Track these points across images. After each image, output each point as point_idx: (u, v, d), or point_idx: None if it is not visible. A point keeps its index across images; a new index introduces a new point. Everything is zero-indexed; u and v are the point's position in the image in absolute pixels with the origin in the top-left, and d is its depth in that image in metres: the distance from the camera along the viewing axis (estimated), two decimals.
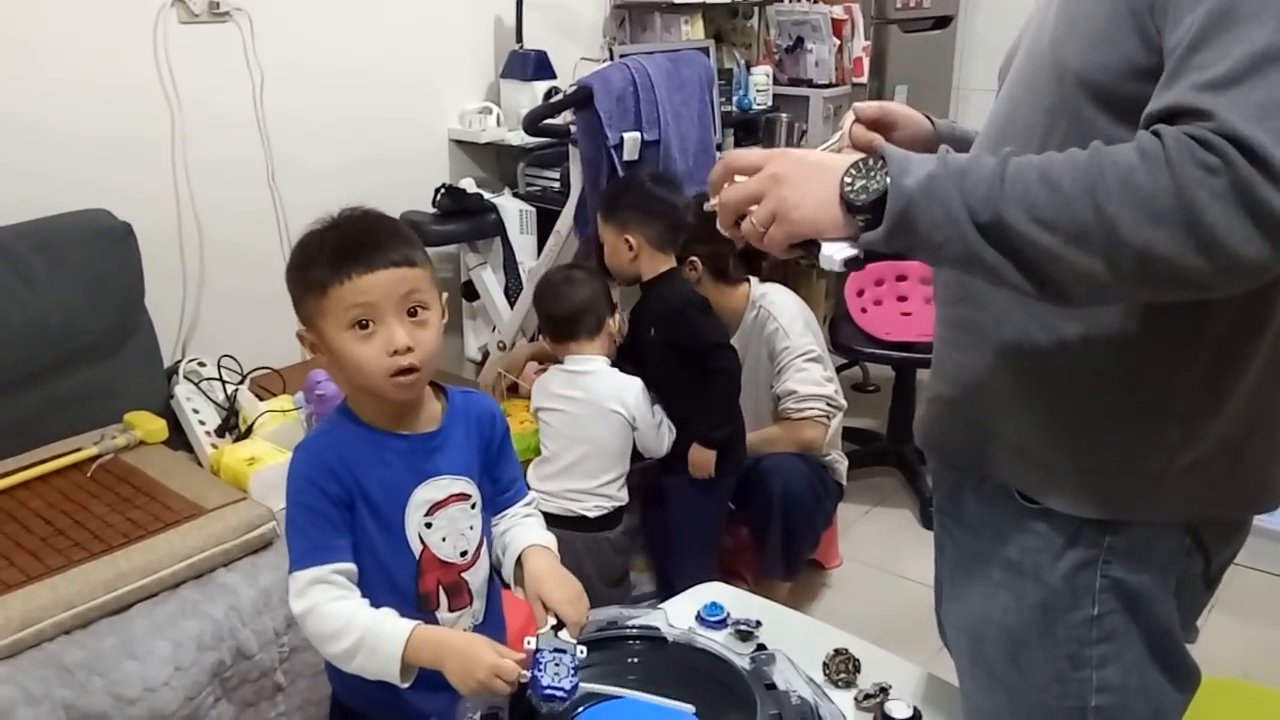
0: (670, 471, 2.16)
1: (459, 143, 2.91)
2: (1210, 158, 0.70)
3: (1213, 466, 0.91)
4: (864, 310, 3.08)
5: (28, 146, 2.07)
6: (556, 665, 1.04)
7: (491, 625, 1.25)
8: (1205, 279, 0.73)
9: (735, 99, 3.40)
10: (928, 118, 1.14)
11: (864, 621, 1.55)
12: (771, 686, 1.11)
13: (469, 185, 2.73)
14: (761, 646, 1.24)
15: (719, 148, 2.72)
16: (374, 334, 1.09)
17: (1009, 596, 0.99)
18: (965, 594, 1.06)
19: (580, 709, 1.11)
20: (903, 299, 3.16)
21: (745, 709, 1.06)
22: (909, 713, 1.16)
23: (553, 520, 1.95)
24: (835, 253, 0.85)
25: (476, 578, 1.21)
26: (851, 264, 0.85)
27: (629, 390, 2.05)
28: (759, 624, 1.34)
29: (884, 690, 1.23)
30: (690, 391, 2.09)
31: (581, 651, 1.07)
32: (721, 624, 1.36)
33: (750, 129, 3.55)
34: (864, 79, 3.55)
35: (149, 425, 1.98)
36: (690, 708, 1.05)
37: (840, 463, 2.43)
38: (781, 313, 2.30)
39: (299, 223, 2.73)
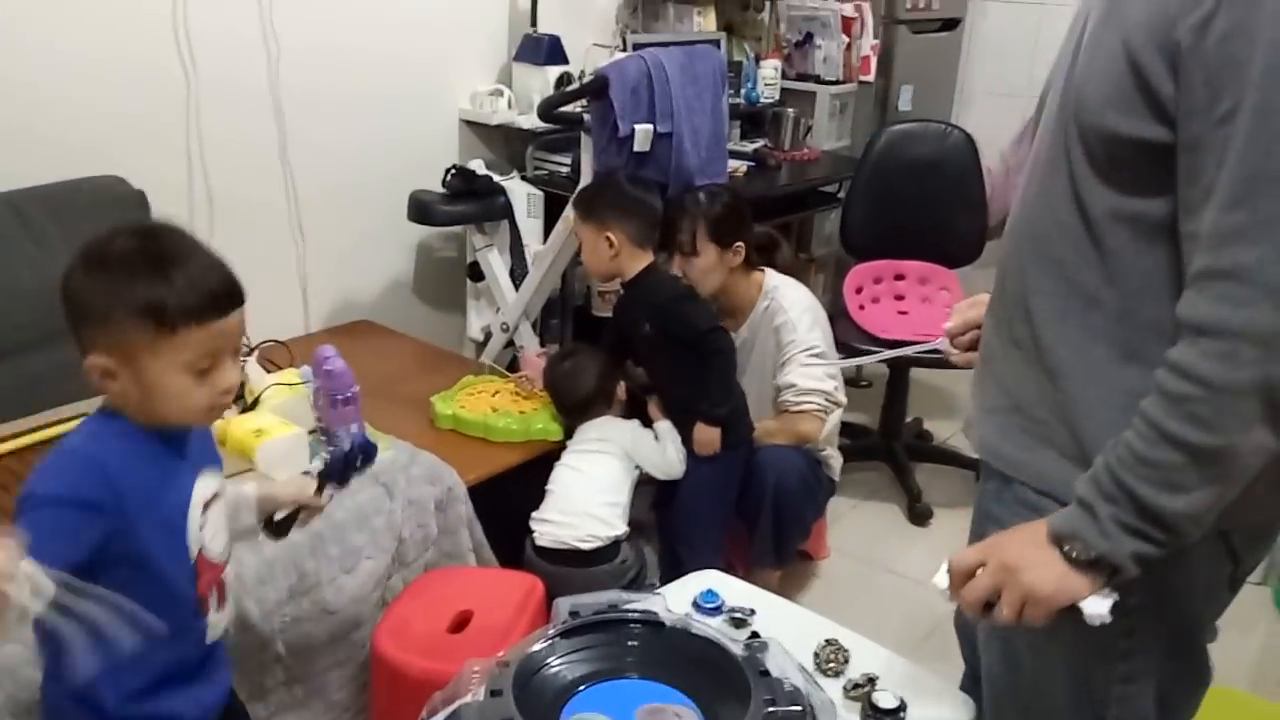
0: None
1: (469, 124, 2.93)
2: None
3: (1259, 481, 0.94)
4: (861, 307, 3.12)
5: (44, 112, 2.09)
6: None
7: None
8: None
9: (744, 91, 3.43)
10: None
11: (851, 613, 1.60)
12: (765, 673, 1.14)
13: (478, 166, 2.76)
14: (755, 634, 1.28)
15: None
16: (209, 376, 1.05)
17: None
18: None
19: (580, 688, 1.15)
20: (900, 298, 3.20)
21: (740, 694, 1.10)
22: (895, 703, 1.20)
23: (545, 554, 2.01)
24: (1097, 609, 0.96)
25: (230, 577, 1.21)
26: (1115, 611, 0.97)
27: (625, 433, 2.15)
28: (753, 612, 1.38)
29: (871, 681, 1.27)
30: (690, 377, 2.14)
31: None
32: (717, 610, 1.40)
33: (757, 122, 3.58)
34: (871, 77, 3.58)
35: None
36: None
37: (835, 459, 2.47)
38: (792, 306, 2.35)
39: (309, 196, 2.75)
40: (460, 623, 1.72)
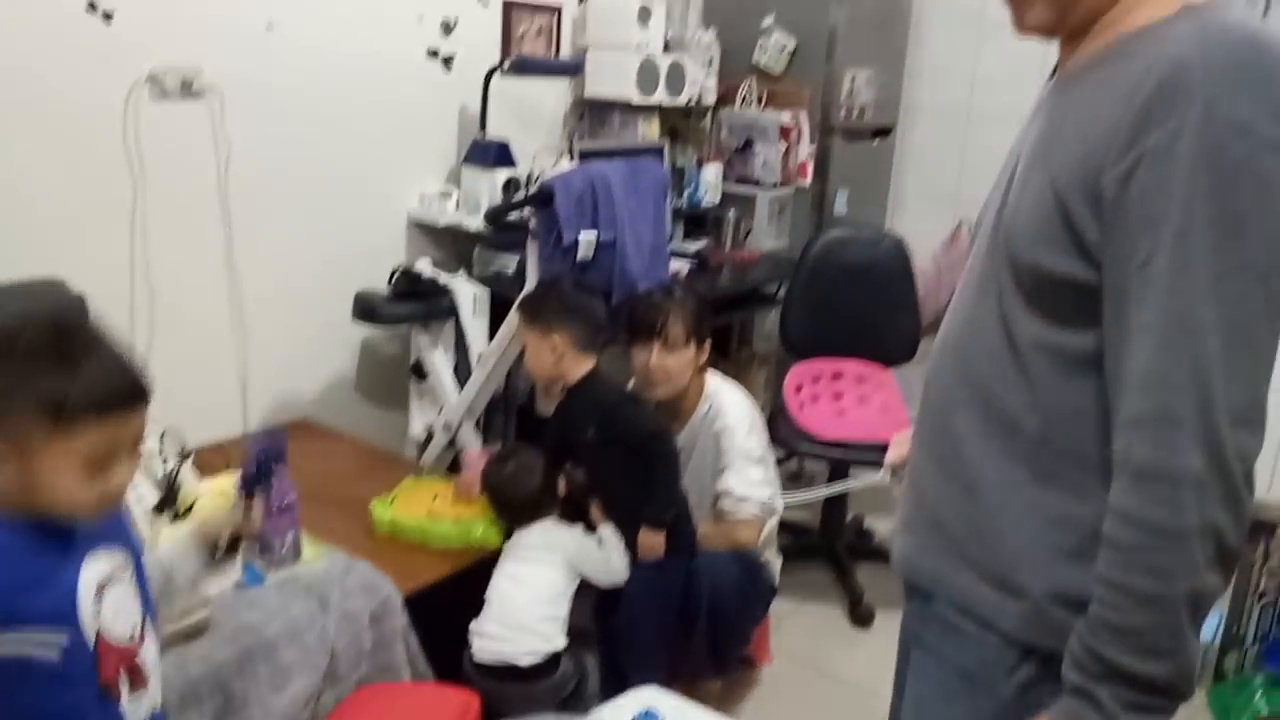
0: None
1: (418, 223, 2.96)
2: None
3: None
4: (800, 407, 3.17)
5: None
6: None
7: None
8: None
9: (686, 194, 3.53)
10: None
11: None
12: None
13: (425, 265, 2.78)
14: None
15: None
16: (103, 473, 1.03)
17: (963, 706, 1.05)
18: (922, 700, 1.12)
19: None
20: (838, 396, 3.26)
21: None
22: None
23: (483, 671, 1.96)
24: None
25: (149, 656, 1.14)
26: None
27: (568, 542, 2.12)
28: None
29: None
30: (634, 481, 2.14)
31: None
32: None
33: (699, 223, 3.68)
34: (808, 181, 3.71)
35: None
36: None
37: (775, 564, 2.48)
38: (731, 412, 2.38)
39: (254, 294, 2.72)
40: None
